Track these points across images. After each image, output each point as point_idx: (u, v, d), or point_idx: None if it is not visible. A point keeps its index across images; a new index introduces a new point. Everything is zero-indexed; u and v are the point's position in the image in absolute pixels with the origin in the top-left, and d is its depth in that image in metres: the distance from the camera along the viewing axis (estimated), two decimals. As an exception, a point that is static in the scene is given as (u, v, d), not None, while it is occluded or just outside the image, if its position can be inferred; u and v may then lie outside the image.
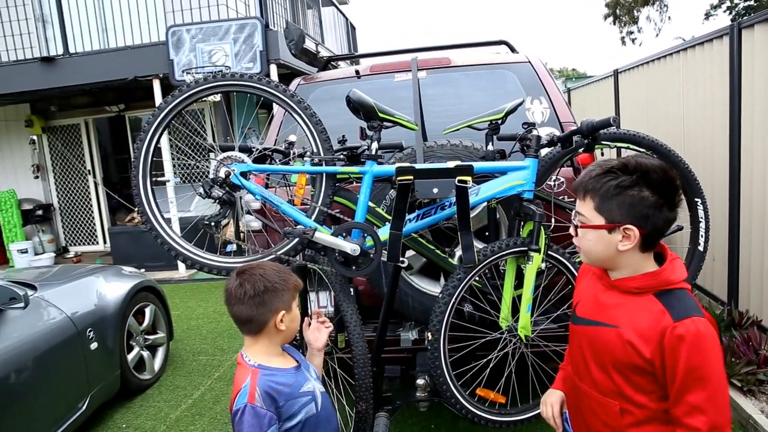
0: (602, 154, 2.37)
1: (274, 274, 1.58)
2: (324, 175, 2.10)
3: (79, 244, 9.66)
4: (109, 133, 9.67)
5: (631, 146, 2.29)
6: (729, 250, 4.03)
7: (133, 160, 2.09)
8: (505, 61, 3.14)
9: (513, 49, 3.57)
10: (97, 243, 9.61)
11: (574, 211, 1.39)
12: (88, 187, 9.47)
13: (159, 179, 7.30)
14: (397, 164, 1.97)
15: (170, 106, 2.06)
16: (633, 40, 25.27)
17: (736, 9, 18.40)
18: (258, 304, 1.54)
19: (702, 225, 2.42)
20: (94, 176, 9.43)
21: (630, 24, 25.20)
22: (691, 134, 4.50)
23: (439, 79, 3.10)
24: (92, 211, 9.54)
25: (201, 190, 2.00)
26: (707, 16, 20.19)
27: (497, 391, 2.19)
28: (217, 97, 6.62)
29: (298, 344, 1.96)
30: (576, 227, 1.37)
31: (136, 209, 2.10)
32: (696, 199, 2.42)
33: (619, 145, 2.28)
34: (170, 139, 7.41)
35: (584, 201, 1.33)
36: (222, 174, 1.99)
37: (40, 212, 9.16)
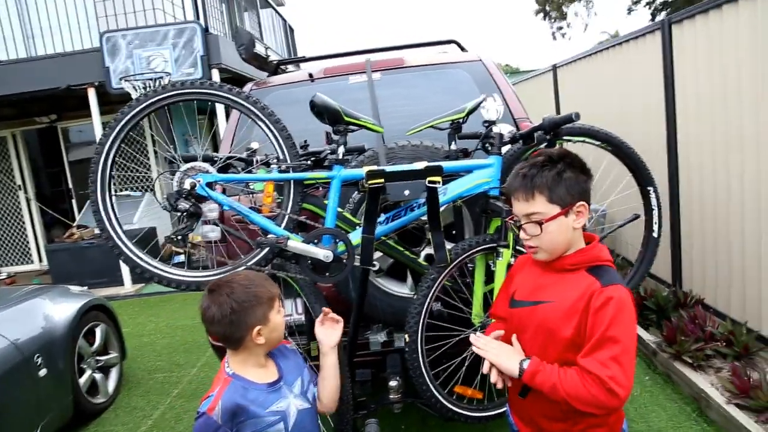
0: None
1: (242, 291, 1.53)
2: (292, 182, 2.06)
3: (12, 264, 9.11)
4: (40, 146, 9.15)
5: (588, 140, 2.37)
6: (671, 234, 4.25)
7: (90, 173, 1.98)
8: (458, 60, 3.18)
9: (462, 48, 3.62)
10: (32, 262, 9.09)
11: (519, 216, 1.47)
12: (19, 203, 8.94)
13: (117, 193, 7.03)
14: (367, 168, 1.95)
15: (133, 113, 1.97)
16: (563, 35, 26.31)
17: (654, 4, 19.45)
18: (229, 324, 1.51)
19: (655, 212, 2.53)
20: (26, 191, 8.91)
21: (559, 19, 26.18)
22: (629, 126, 4.71)
23: (394, 80, 3.10)
24: (25, 228, 9.01)
25: (166, 203, 1.92)
26: (629, 11, 21.23)
27: (474, 388, 2.22)
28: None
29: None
30: (537, 225, 1.42)
31: (96, 226, 2.00)
32: (648, 188, 2.53)
33: (576, 139, 2.36)
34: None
35: (534, 200, 1.43)
36: (187, 185, 1.92)
37: (-34, 232, 8.57)
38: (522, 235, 1.47)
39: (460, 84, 3.03)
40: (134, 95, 6.23)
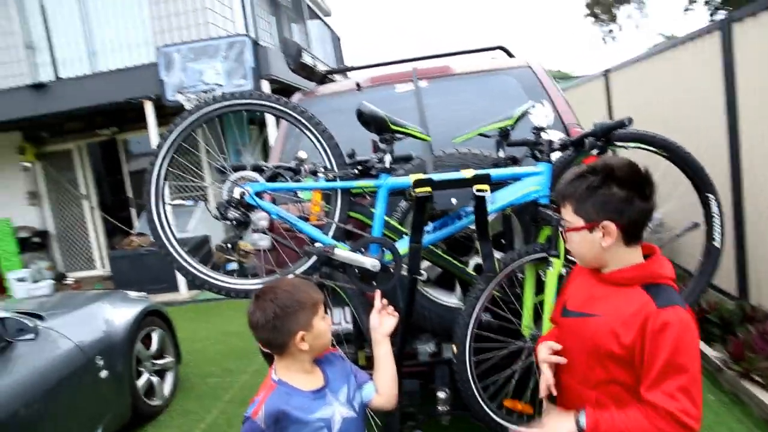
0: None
1: (286, 297, 1.55)
2: (339, 190, 2.07)
3: (77, 270, 9.57)
4: (102, 157, 9.60)
5: (643, 146, 2.28)
6: (736, 244, 4.04)
7: (145, 183, 2.06)
8: (506, 67, 3.13)
9: (510, 54, 3.57)
10: (95, 268, 9.52)
11: (561, 219, 1.46)
12: (84, 211, 9.40)
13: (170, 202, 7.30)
14: (414, 176, 1.94)
15: (185, 124, 2.03)
16: (613, 38, 25.52)
17: (713, 3, 18.62)
18: (272, 329, 1.54)
19: (716, 220, 2.41)
20: (89, 200, 9.36)
21: (609, 22, 25.45)
22: (687, 131, 4.51)
23: (441, 88, 3.08)
24: (88, 236, 9.46)
25: (216, 212, 1.97)
26: (686, 10, 20.42)
27: (524, 402, 2.16)
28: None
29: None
30: (562, 232, 1.45)
31: (150, 233, 2.07)
32: (708, 195, 2.41)
33: (630, 145, 2.27)
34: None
35: (565, 207, 1.42)
36: (237, 194, 1.96)
37: (36, 239, 9.07)
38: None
39: (508, 90, 2.98)
40: (188, 107, 6.44)
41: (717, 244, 2.44)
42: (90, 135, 9.08)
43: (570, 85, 9.46)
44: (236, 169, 2.08)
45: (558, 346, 1.53)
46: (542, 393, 1.51)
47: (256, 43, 7.11)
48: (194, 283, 2.05)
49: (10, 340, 2.80)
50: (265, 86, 7.06)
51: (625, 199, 1.32)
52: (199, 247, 7.51)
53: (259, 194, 2.00)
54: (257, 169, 2.14)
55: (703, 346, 3.63)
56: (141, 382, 3.80)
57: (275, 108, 2.03)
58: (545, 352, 1.52)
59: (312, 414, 1.54)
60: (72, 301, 3.90)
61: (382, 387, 1.73)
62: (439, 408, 2.44)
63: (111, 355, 3.46)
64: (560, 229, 1.50)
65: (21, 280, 8.41)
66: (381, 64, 3.72)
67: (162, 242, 2.06)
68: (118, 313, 3.74)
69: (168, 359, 4.22)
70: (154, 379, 3.99)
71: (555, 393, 1.49)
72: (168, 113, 7.21)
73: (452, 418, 2.45)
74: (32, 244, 9.00)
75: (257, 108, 2.04)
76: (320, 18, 12.14)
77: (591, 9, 25.12)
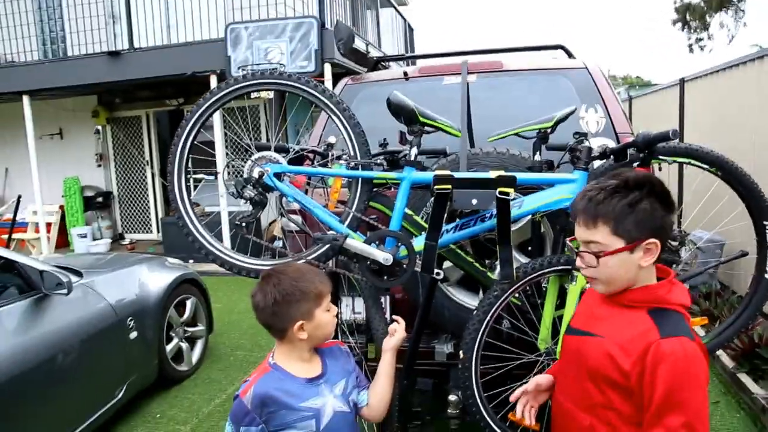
0: (659, 170, 2.20)
1: (288, 284, 1.52)
2: (360, 179, 2.02)
3: (134, 232, 10.02)
4: (168, 126, 9.99)
5: (692, 161, 2.10)
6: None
7: (170, 155, 2.08)
8: (560, 67, 2.99)
9: (570, 54, 3.40)
10: (151, 232, 9.93)
11: (579, 244, 1.32)
12: (146, 177, 9.81)
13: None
14: (435, 172, 1.87)
15: (208, 103, 2.04)
16: (702, 48, 24.03)
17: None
18: (271, 314, 1.53)
19: (771, 251, 2.20)
20: (152, 167, 9.76)
21: (700, 30, 24.02)
22: (763, 148, 4.17)
23: (490, 84, 2.97)
24: (148, 201, 9.87)
25: (233, 189, 1.97)
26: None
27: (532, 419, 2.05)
28: (270, 95, 6.62)
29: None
30: (593, 256, 1.27)
31: (171, 202, 2.10)
32: (764, 223, 2.20)
33: (679, 160, 2.10)
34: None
35: (596, 228, 1.27)
36: (255, 174, 1.95)
37: (100, 199, 9.55)
38: (578, 262, 1.32)
39: (559, 92, 2.84)
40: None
41: (768, 276, 2.23)
42: (158, 104, 9.45)
43: (646, 93, 8.99)
44: (260, 148, 2.07)
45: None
46: (513, 396, 1.51)
47: (322, 26, 7.14)
48: (207, 257, 2.06)
49: (47, 293, 2.93)
50: (327, 70, 7.09)
51: (663, 216, 1.25)
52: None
53: (278, 175, 1.98)
54: (282, 150, 2.12)
55: (750, 383, 3.36)
56: (170, 347, 3.92)
57: (301, 89, 2.00)
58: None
59: (302, 402, 1.51)
60: (116, 262, 4.05)
61: (373, 400, 1.68)
62: (449, 411, 2.38)
63: (142, 318, 3.58)
64: (568, 242, 1.38)
65: (82, 236, 8.89)
66: (434, 55, 3.64)
67: (180, 213, 2.09)
68: (154, 278, 3.86)
69: (199, 327, 4.33)
70: (184, 345, 4.11)
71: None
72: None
73: (463, 425, 2.38)
74: (96, 203, 9.49)
75: (283, 88, 2.01)
76: (394, 6, 12.06)
77: (682, 14, 23.80)
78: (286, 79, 2.01)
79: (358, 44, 3.32)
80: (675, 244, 1.99)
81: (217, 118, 7.39)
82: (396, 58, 4.30)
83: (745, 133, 4.65)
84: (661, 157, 1.93)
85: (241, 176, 1.95)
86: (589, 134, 2.48)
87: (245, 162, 1.99)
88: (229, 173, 6.94)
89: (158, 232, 9.66)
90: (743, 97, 4.80)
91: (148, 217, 9.95)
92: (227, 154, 7.58)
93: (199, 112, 2.04)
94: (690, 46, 24.21)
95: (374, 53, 7.42)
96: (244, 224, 1.98)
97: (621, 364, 1.21)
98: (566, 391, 1.41)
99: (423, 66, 3.22)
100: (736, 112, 4.94)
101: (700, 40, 24.06)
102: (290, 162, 2.09)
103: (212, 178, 7.87)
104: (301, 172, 2.04)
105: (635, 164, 1.96)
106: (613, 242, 1.25)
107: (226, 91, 2.02)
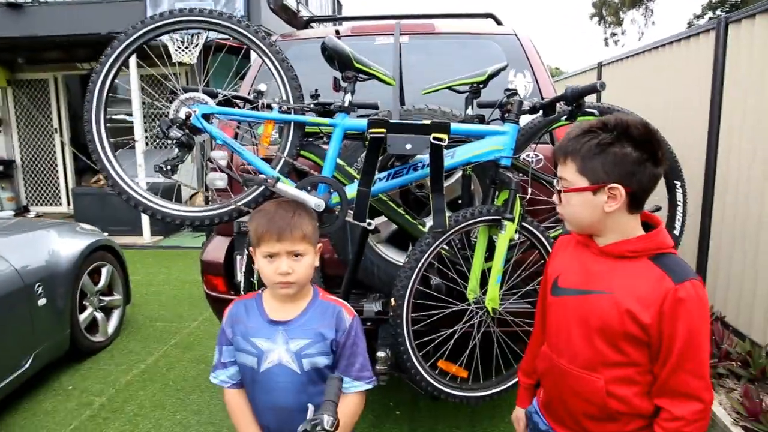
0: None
1: (252, 218, 1.53)
2: (292, 124, 1.96)
3: (42, 205, 9.33)
4: (80, 92, 9.32)
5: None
6: (699, 248, 4.02)
7: (85, 102, 1.92)
8: (491, 32, 3.04)
9: (499, 22, 3.46)
10: (60, 204, 9.29)
11: (556, 179, 1.32)
12: (54, 145, 9.13)
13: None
14: (370, 117, 1.84)
15: (126, 42, 1.89)
16: (616, 42, 25.48)
17: (719, 18, 18.64)
18: None
19: (680, 209, 2.36)
20: (61, 135, 9.08)
21: (615, 25, 25.39)
22: (670, 129, 4.47)
23: (421, 46, 2.99)
24: (57, 171, 9.21)
25: (158, 129, 1.85)
26: (690, 24, 20.43)
27: (459, 365, 2.11)
28: (194, 59, 6.28)
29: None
30: (559, 193, 1.30)
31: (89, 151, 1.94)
32: (675, 182, 2.36)
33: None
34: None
35: (566, 165, 1.27)
36: (182, 114, 1.84)
37: (0, 168, 8.79)
38: (554, 198, 1.33)
39: (489, 56, 2.88)
40: (171, 47, 6.24)
41: (677, 232, 2.40)
42: (69, 67, 8.78)
43: (566, 76, 9.37)
44: (187, 91, 1.96)
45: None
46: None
47: (248, -9, 6.88)
48: (128, 203, 1.93)
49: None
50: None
51: (637, 161, 1.20)
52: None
53: (207, 118, 1.88)
54: (211, 94, 2.02)
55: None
56: (83, 316, 3.69)
57: (226, 26, 1.88)
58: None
59: (253, 337, 1.49)
60: (21, 226, 3.75)
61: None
62: (378, 367, 2.38)
63: (52, 285, 3.33)
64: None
65: (-21, 207, 8.18)
66: (367, 17, 3.61)
67: (98, 155, 1.94)
68: (65, 243, 3.60)
69: (116, 297, 4.10)
70: (99, 315, 3.88)
71: None
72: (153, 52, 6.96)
73: (394, 380, 2.40)
74: (-4, 172, 8.74)
75: (207, 26, 1.88)
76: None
77: (599, 9, 25.01)
78: (216, 17, 1.90)
79: (289, 2, 3.21)
80: None
81: (134, 87, 6.98)
82: (329, 19, 4.22)
83: (651, 111, 4.97)
84: (588, 111, 2.00)
85: (167, 116, 1.83)
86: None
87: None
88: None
89: (69, 204, 9.04)
90: (653, 79, 5.13)
91: (57, 188, 9.28)
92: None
93: (117, 53, 1.89)
94: (605, 39, 25.57)
95: (304, 13, 7.24)
96: (168, 167, 1.86)
97: (641, 318, 1.19)
98: (563, 351, 1.35)
99: (355, 26, 3.17)
100: (645, 92, 5.28)
101: (615, 34, 25.46)
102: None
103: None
104: (230, 113, 1.95)
105: (563, 118, 2.02)
106: (577, 180, 1.24)
107: (148, 28, 1.88)
